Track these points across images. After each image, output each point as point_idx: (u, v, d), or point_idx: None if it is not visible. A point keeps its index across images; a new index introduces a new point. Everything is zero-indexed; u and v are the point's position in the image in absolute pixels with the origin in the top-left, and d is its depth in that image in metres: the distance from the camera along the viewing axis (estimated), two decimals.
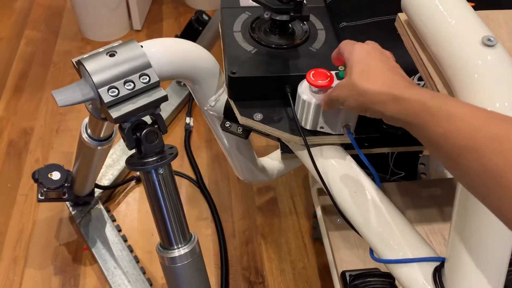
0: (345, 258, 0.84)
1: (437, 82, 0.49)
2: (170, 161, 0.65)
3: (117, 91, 0.57)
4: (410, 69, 0.68)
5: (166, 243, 0.70)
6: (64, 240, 1.13)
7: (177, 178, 1.28)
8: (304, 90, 0.63)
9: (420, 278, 0.52)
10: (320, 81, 0.59)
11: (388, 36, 0.72)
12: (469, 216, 0.46)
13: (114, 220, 1.16)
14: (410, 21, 0.54)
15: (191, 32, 1.36)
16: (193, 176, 1.28)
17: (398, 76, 0.47)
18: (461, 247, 0.47)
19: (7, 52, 1.62)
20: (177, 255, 0.69)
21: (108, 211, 1.18)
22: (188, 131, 1.39)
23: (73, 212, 1.15)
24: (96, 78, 0.56)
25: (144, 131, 0.61)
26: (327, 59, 0.70)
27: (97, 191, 1.17)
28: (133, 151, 0.65)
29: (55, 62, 1.59)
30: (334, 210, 0.89)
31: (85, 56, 0.59)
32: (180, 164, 1.31)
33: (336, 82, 0.63)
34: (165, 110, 1.41)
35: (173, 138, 1.37)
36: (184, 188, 1.26)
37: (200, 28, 1.37)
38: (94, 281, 1.07)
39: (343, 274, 0.70)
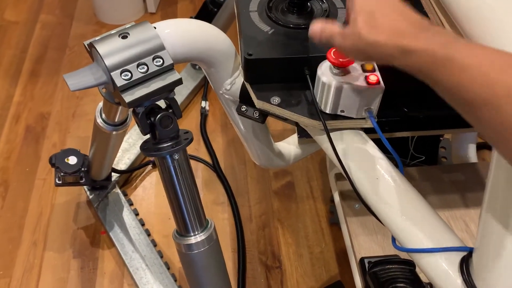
0: (363, 244, 0.82)
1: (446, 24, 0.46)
2: (185, 147, 0.64)
3: (130, 74, 0.56)
4: None
5: (183, 230, 0.69)
6: (82, 224, 1.14)
7: (193, 162, 1.27)
8: (324, 71, 0.60)
9: (445, 268, 0.51)
10: (341, 59, 0.56)
11: None
12: (503, 204, 0.44)
13: (131, 204, 1.17)
14: (443, 3, 0.51)
15: (206, 13, 1.34)
16: (209, 160, 1.28)
17: (406, 22, 0.43)
18: (492, 237, 0.45)
19: (23, 36, 1.62)
20: (193, 242, 0.69)
21: (125, 195, 1.18)
22: (203, 115, 1.37)
23: (90, 196, 1.16)
24: (109, 61, 0.55)
25: (159, 115, 0.59)
26: None
27: (114, 175, 1.17)
28: (148, 136, 0.64)
29: (70, 46, 1.58)
30: (352, 195, 0.88)
31: (97, 39, 0.57)
32: (196, 148, 1.31)
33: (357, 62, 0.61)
34: (181, 94, 1.40)
35: (189, 122, 1.36)
36: (200, 172, 1.26)
37: (215, 9, 1.34)
38: (112, 264, 1.08)
39: (361, 260, 0.69)
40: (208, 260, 0.72)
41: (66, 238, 1.12)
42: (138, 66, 0.56)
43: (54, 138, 1.32)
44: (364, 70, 0.60)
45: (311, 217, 1.16)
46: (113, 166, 1.15)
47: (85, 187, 1.17)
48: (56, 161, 1.02)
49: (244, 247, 1.10)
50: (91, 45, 0.57)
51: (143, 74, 0.56)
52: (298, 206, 1.18)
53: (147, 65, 0.56)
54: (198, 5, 1.75)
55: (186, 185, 0.66)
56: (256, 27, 0.69)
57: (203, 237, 0.69)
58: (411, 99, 0.78)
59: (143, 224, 1.13)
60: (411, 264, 0.65)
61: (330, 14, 0.71)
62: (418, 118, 0.78)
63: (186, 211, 0.68)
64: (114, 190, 1.17)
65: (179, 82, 0.58)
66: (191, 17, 1.47)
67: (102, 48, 0.55)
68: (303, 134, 0.81)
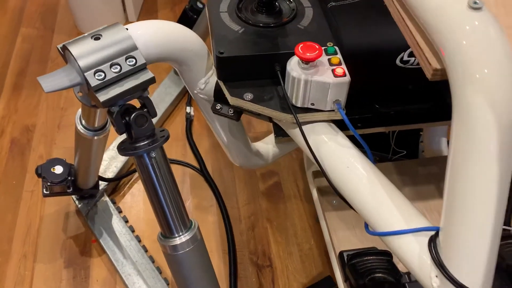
0: (342, 239, 0.84)
1: (426, 51, 0.48)
2: (162, 144, 0.64)
3: (103, 74, 0.56)
4: (400, 46, 0.69)
5: (167, 231, 0.70)
6: (72, 233, 1.15)
7: (180, 167, 1.29)
8: (293, 66, 0.62)
9: (415, 248, 0.53)
10: (308, 54, 0.59)
11: (377, 14, 0.72)
12: (460, 184, 0.46)
13: (120, 212, 1.17)
14: None
15: (186, 21, 1.36)
16: (196, 164, 1.29)
17: None
18: (454, 215, 0.47)
19: (4, 50, 1.62)
20: (178, 242, 0.69)
21: (114, 203, 1.19)
22: (189, 120, 1.39)
23: (79, 206, 1.16)
24: (82, 62, 0.56)
25: (133, 115, 0.60)
26: (316, 36, 0.69)
27: (102, 184, 1.18)
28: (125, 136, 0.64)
29: (52, 58, 1.59)
30: (330, 191, 0.90)
31: (70, 41, 0.58)
32: (182, 153, 1.32)
33: (324, 56, 0.63)
34: (164, 101, 1.41)
35: (175, 128, 1.38)
36: (188, 177, 1.27)
37: (195, 16, 1.36)
38: (104, 272, 1.08)
39: (340, 254, 0.71)
40: (194, 260, 0.72)
41: (56, 248, 1.12)
42: (111, 66, 0.57)
43: (40, 149, 1.32)
44: (330, 64, 0.63)
45: (299, 216, 1.18)
46: (101, 174, 1.16)
47: (73, 196, 1.17)
48: (42, 171, 1.03)
49: (234, 248, 1.12)
50: (64, 48, 0.58)
51: (116, 74, 0.57)
52: (286, 205, 1.20)
53: (120, 65, 0.57)
54: (179, 13, 1.77)
55: (166, 184, 0.66)
56: (227, 27, 0.71)
57: (187, 237, 0.69)
58: (382, 95, 0.81)
59: (133, 231, 1.14)
60: (388, 255, 0.68)
61: (298, 13, 0.74)
62: (389, 114, 0.81)
63: (169, 211, 0.68)
64: (102, 198, 1.18)
65: (152, 80, 0.59)
66: None
67: (75, 50, 0.56)
68: (280, 133, 0.84)
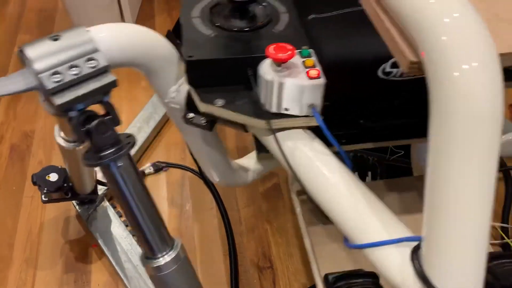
0: (327, 259, 0.82)
1: (401, 44, 0.47)
2: (128, 151, 0.60)
3: (60, 76, 0.52)
4: (382, 57, 0.67)
5: (148, 252, 0.66)
6: (72, 238, 1.15)
7: (180, 171, 1.29)
8: (265, 69, 0.60)
9: (397, 260, 0.50)
10: (280, 54, 0.57)
11: (358, 26, 0.69)
12: (440, 186, 0.43)
13: (120, 216, 1.18)
14: None
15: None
16: (195, 168, 1.30)
17: None
18: (436, 225, 0.44)
19: (1, 57, 1.62)
20: (162, 263, 0.66)
21: (114, 207, 1.19)
22: None
23: (79, 210, 1.17)
24: (37, 64, 0.52)
25: (94, 122, 0.56)
26: (291, 40, 0.65)
27: (102, 189, 1.18)
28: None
29: None
30: (316, 212, 0.89)
31: (27, 43, 0.54)
32: (182, 157, 1.33)
33: (298, 57, 0.61)
34: (162, 107, 1.42)
35: (173, 132, 1.39)
36: (188, 180, 1.28)
37: None
38: (105, 276, 1.08)
39: (325, 277, 0.68)
40: (180, 278, 0.69)
41: (57, 253, 1.12)
42: (69, 68, 0.53)
43: (39, 155, 1.33)
44: (305, 66, 0.60)
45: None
46: (100, 179, 1.16)
47: (73, 201, 1.18)
48: (37, 180, 1.02)
49: (235, 250, 1.12)
50: (20, 50, 0.54)
51: (75, 77, 0.53)
52: (286, 206, 1.21)
53: (79, 67, 0.53)
54: (176, 18, 1.78)
55: (138, 196, 0.62)
56: (198, 32, 0.69)
57: (171, 256, 0.66)
58: (367, 111, 0.78)
59: (133, 235, 1.14)
60: (374, 276, 0.64)
61: (273, 18, 0.72)
62: (375, 129, 0.79)
63: (147, 227, 0.64)
64: (102, 203, 1.18)
65: (113, 84, 0.56)
66: (168, 31, 1.50)
67: (30, 51, 0.52)
68: (262, 149, 0.78)
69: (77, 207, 1.17)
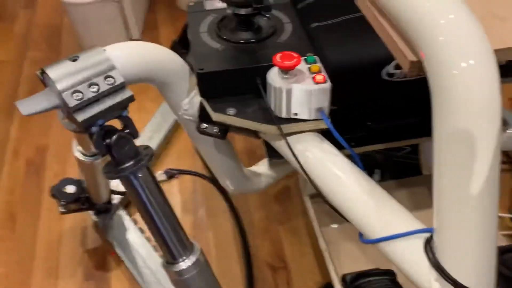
0: (344, 261, 0.84)
1: (401, 45, 0.49)
2: (147, 163, 0.62)
3: (81, 94, 0.56)
4: (385, 59, 0.70)
5: (169, 257, 0.69)
6: (91, 247, 1.18)
7: (191, 177, 1.32)
8: (273, 77, 0.63)
9: (411, 252, 0.52)
10: (287, 62, 0.60)
11: (360, 31, 0.71)
12: (448, 183, 0.45)
13: (136, 223, 1.21)
14: None
15: (187, 36, 1.40)
16: (206, 173, 1.33)
17: None
18: (445, 215, 0.46)
19: (13, 75, 1.67)
20: (183, 267, 0.68)
21: (129, 215, 1.22)
22: None
23: (96, 220, 1.20)
24: (60, 84, 0.56)
25: (114, 136, 0.59)
26: (296, 48, 0.68)
27: (117, 198, 1.21)
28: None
29: None
30: (329, 214, 0.91)
31: (48, 65, 0.58)
32: (192, 163, 1.35)
33: (303, 64, 0.64)
34: (171, 114, 1.45)
35: (183, 139, 1.42)
36: (199, 185, 1.31)
37: None
38: (124, 283, 1.11)
39: (343, 277, 0.68)
40: (201, 282, 0.71)
41: (77, 262, 1.15)
42: (89, 86, 0.57)
43: (54, 168, 1.36)
44: (311, 72, 0.63)
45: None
46: (114, 188, 1.20)
47: (90, 211, 1.21)
48: (56, 192, 1.06)
49: (249, 252, 1.15)
50: (42, 71, 0.58)
51: (94, 94, 0.57)
52: (297, 208, 1.23)
53: (98, 85, 0.57)
54: (180, 28, 1.81)
55: (158, 204, 0.65)
56: (207, 46, 0.72)
57: (192, 260, 0.68)
58: (373, 113, 0.81)
59: (149, 241, 1.17)
60: (391, 274, 0.66)
61: (277, 29, 0.75)
62: (382, 130, 0.81)
63: (167, 233, 0.66)
64: (118, 211, 1.22)
65: (131, 99, 0.59)
66: (173, 41, 1.53)
67: (52, 72, 0.56)
68: (273, 155, 0.81)
69: (93, 216, 1.21)
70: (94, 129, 0.58)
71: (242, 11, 0.70)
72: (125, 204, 1.26)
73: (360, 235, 0.58)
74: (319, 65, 0.65)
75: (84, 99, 0.56)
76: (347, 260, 0.84)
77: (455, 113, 0.43)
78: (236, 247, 1.16)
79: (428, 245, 0.50)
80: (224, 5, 0.74)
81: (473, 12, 0.44)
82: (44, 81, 0.60)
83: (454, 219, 0.46)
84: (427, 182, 0.95)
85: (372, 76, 0.73)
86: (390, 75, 0.73)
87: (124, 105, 0.59)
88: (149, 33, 1.81)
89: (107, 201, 1.16)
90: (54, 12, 1.96)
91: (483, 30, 0.44)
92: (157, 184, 0.65)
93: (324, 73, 0.64)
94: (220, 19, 0.77)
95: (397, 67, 0.72)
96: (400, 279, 0.64)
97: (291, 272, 1.11)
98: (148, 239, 1.17)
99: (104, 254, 1.17)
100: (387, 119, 0.82)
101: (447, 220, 0.47)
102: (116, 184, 1.24)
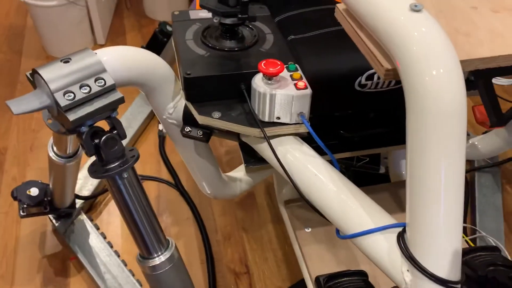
0: (317, 263, 0.87)
1: (377, 55, 0.54)
2: (133, 164, 0.65)
3: (73, 95, 0.58)
4: (357, 70, 0.76)
5: (145, 252, 0.71)
6: (49, 252, 1.16)
7: (156, 183, 1.32)
8: (258, 83, 0.67)
9: (385, 246, 0.55)
10: (271, 69, 0.64)
11: (334, 44, 0.79)
12: (419, 180, 0.50)
13: (98, 228, 1.19)
14: (347, 6, 0.60)
15: (156, 43, 1.41)
16: (171, 180, 1.33)
17: None
18: (417, 210, 0.50)
19: None
20: (157, 263, 0.70)
21: (91, 220, 1.20)
22: (161, 137, 1.43)
23: (56, 224, 1.18)
24: (52, 84, 0.57)
25: (104, 137, 0.60)
26: (277, 57, 0.72)
27: (79, 202, 1.20)
28: (93, 158, 0.64)
29: (22, 81, 1.60)
30: (302, 217, 0.94)
31: (40, 66, 0.60)
32: (157, 169, 1.36)
33: (286, 72, 0.69)
34: (136, 119, 1.45)
35: (148, 145, 1.42)
36: (164, 192, 1.31)
37: (165, 39, 1.41)
38: None
39: (317, 279, 0.71)
40: (174, 278, 0.74)
41: (34, 268, 1.12)
42: (80, 87, 0.58)
43: (13, 172, 1.33)
44: (292, 79, 0.68)
45: (273, 223, 1.23)
46: (77, 192, 1.18)
47: (50, 216, 1.18)
48: (18, 194, 1.04)
49: (212, 258, 1.16)
50: (34, 72, 0.59)
51: (86, 95, 0.58)
52: (259, 214, 1.26)
53: (89, 86, 0.59)
54: (146, 35, 1.82)
55: (139, 204, 0.67)
56: (193, 52, 0.75)
57: (166, 256, 0.71)
58: (346, 122, 0.86)
59: (111, 246, 1.16)
60: (363, 274, 0.69)
61: (259, 38, 0.79)
62: (353, 139, 0.87)
63: (145, 231, 0.69)
64: (79, 216, 1.20)
65: (121, 100, 0.61)
66: (141, 46, 1.53)
67: (45, 73, 0.58)
68: (250, 162, 0.84)
69: (53, 221, 1.18)
70: (83, 129, 0.60)
71: (228, 21, 0.74)
72: (87, 209, 1.25)
73: (337, 231, 0.62)
74: (300, 72, 0.69)
75: (75, 99, 0.58)
76: (319, 262, 0.87)
77: (427, 114, 0.48)
78: (199, 253, 1.17)
79: (401, 238, 0.53)
80: (208, 15, 0.77)
81: (442, 28, 0.50)
82: (33, 82, 0.62)
83: (424, 214, 0.50)
84: (394, 188, 1.00)
85: (344, 86, 0.77)
86: (362, 86, 0.78)
87: (114, 106, 0.61)
88: (115, 38, 1.81)
89: (70, 205, 1.14)
90: (17, 13, 1.92)
91: (451, 43, 0.49)
92: (140, 184, 0.67)
93: (304, 80, 0.68)
94: (205, 27, 0.80)
95: (369, 78, 0.77)
96: (371, 279, 0.67)
97: (253, 277, 1.13)
98: (109, 244, 1.16)
99: (64, 260, 1.14)
100: (359, 129, 0.87)
101: (418, 214, 0.51)
102: (80, 189, 1.23)
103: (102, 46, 1.76)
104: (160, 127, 1.45)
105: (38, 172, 1.32)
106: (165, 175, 1.34)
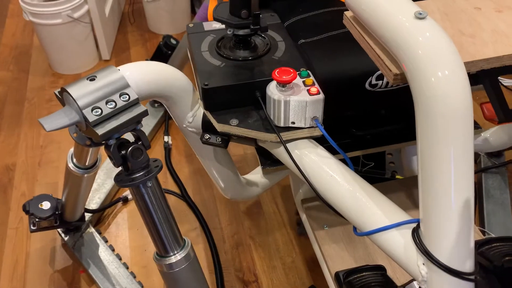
0: (336, 260, 0.88)
1: (385, 60, 0.56)
2: (156, 174, 0.68)
3: (100, 110, 0.62)
4: (367, 71, 0.78)
5: (162, 251, 0.74)
6: (60, 266, 1.16)
7: None
8: (272, 90, 0.70)
9: (401, 241, 0.58)
10: (284, 77, 0.67)
11: (344, 46, 0.81)
12: (431, 178, 0.52)
13: (106, 241, 1.20)
14: (355, 14, 0.62)
15: (160, 56, 1.43)
16: (177, 191, 1.34)
17: None
18: (430, 207, 0.53)
19: None
20: (174, 261, 0.74)
21: (99, 233, 1.21)
22: (167, 149, 1.44)
23: (66, 238, 1.19)
24: (80, 101, 0.61)
25: (130, 148, 0.64)
26: (290, 64, 0.77)
27: (87, 216, 1.21)
28: (119, 169, 0.68)
29: (29, 99, 1.62)
30: (320, 216, 0.95)
31: (67, 85, 0.64)
32: (163, 181, 1.37)
33: (298, 78, 0.71)
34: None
35: (154, 156, 1.42)
36: (171, 203, 1.31)
37: (169, 52, 1.44)
38: None
39: (336, 274, 0.73)
40: (189, 276, 0.77)
41: (45, 282, 1.13)
42: (107, 103, 0.63)
43: (22, 187, 1.34)
44: (305, 85, 0.70)
45: (280, 231, 1.23)
46: (85, 206, 1.19)
47: (59, 230, 1.20)
48: (30, 208, 1.05)
49: (220, 267, 1.16)
50: (63, 90, 0.63)
51: (112, 110, 0.62)
52: (266, 222, 1.26)
53: (115, 102, 0.63)
54: (150, 49, 1.85)
55: (161, 209, 0.71)
56: (209, 63, 0.79)
57: (182, 255, 0.74)
58: (358, 121, 0.88)
59: (120, 259, 1.17)
60: (382, 269, 0.70)
61: (271, 47, 0.82)
62: (366, 138, 0.88)
63: (164, 233, 0.73)
64: (88, 230, 1.21)
65: (145, 113, 0.65)
66: (146, 60, 1.56)
67: (73, 91, 0.62)
68: (266, 164, 0.87)
69: (62, 235, 1.19)
70: (111, 141, 0.64)
71: (241, 32, 0.76)
72: (95, 223, 1.26)
73: (354, 229, 0.64)
74: (312, 78, 0.72)
75: (103, 114, 0.62)
76: (339, 260, 0.89)
77: (435, 115, 0.50)
78: (207, 263, 1.17)
79: (415, 233, 0.56)
80: (221, 25, 0.80)
81: (445, 31, 0.52)
82: (61, 100, 0.66)
83: (436, 209, 0.52)
84: (405, 184, 1.00)
85: (355, 86, 0.80)
86: (373, 85, 0.80)
87: (138, 119, 0.65)
88: (120, 54, 1.83)
89: (79, 219, 1.15)
90: (24, 32, 1.96)
91: (454, 45, 0.51)
92: (162, 192, 0.71)
93: (317, 85, 0.71)
94: (219, 38, 0.83)
95: (379, 78, 0.79)
96: (389, 273, 0.68)
97: (262, 286, 1.13)
98: (118, 256, 1.17)
99: (73, 274, 1.15)
100: (371, 127, 0.88)
101: (430, 210, 0.53)
102: (88, 202, 1.24)
103: (107, 61, 1.78)
104: (166, 139, 1.47)
105: (46, 187, 1.34)
106: (171, 186, 1.35)
